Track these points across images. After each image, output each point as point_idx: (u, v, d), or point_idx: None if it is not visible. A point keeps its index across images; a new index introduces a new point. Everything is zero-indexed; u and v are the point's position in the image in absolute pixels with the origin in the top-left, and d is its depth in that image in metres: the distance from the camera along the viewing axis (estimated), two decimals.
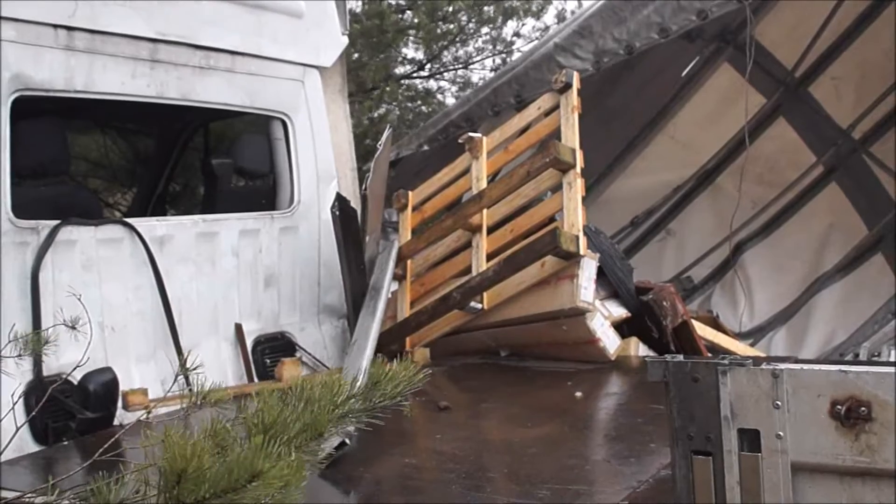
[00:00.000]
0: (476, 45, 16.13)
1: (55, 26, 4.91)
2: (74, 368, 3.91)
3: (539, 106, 6.18)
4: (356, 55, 13.54)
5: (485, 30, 15.91)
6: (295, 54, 6.30)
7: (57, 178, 5.48)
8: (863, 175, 9.15)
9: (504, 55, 16.11)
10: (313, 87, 6.45)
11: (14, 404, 3.11)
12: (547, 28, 15.73)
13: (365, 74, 13.93)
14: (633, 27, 7.20)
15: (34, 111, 5.06)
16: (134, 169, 8.76)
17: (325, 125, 6.53)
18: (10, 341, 3.22)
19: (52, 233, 4.87)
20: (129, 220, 5.57)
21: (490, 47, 16.10)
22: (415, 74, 16.15)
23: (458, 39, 15.80)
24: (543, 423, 4.50)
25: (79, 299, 3.70)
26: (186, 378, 2.99)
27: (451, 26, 15.41)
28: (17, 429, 3.05)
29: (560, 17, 15.76)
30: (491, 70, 16.00)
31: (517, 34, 16.11)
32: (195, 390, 2.86)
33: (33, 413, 4.24)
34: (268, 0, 6.07)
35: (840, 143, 9.15)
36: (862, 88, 8.94)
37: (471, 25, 15.72)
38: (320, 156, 6.47)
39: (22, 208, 4.76)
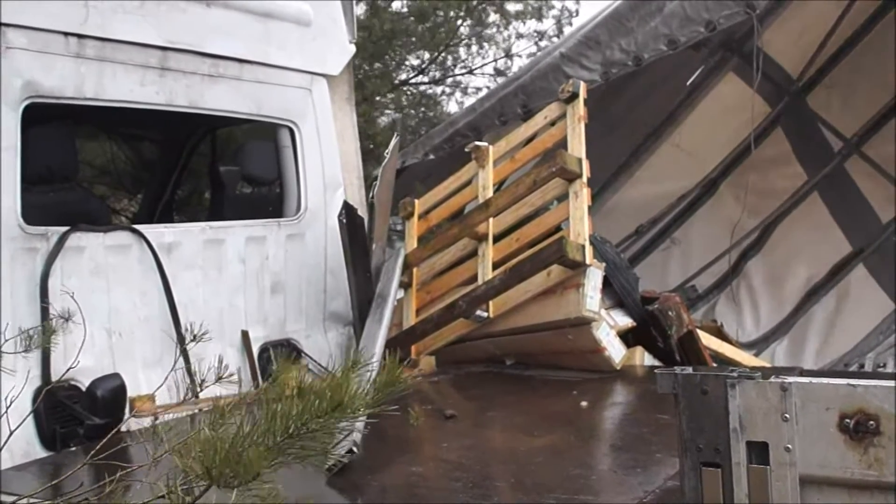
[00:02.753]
0: (478, 50, 16.21)
1: (66, 34, 4.94)
2: (67, 370, 3.95)
3: (545, 115, 6.21)
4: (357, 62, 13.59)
5: (487, 32, 15.98)
6: (302, 62, 6.33)
7: (66, 185, 5.49)
8: (853, 186, 9.21)
9: (506, 59, 16.19)
10: (320, 95, 6.48)
11: (7, 408, 3.10)
12: (543, 33, 15.83)
13: (370, 85, 13.98)
14: (641, 38, 7.22)
15: (44, 118, 5.08)
16: (141, 175, 8.78)
17: (332, 133, 6.56)
18: (16, 335, 3.24)
19: (62, 239, 4.89)
20: (137, 226, 5.59)
21: (489, 49, 16.18)
22: (416, 80, 16.21)
23: (460, 45, 15.86)
24: (549, 433, 4.51)
25: (72, 296, 3.72)
26: (193, 383, 3.01)
27: (451, 31, 15.47)
28: (11, 432, 3.05)
29: (558, 21, 15.85)
30: (493, 74, 16.08)
31: (519, 35, 16.20)
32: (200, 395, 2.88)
33: (25, 418, 4.23)
34: (276, 8, 6.10)
35: (835, 152, 9.21)
36: (864, 98, 8.97)
37: (472, 32, 15.79)
38: (327, 163, 6.49)
39: (31, 214, 4.79)
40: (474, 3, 15.23)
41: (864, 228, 8.99)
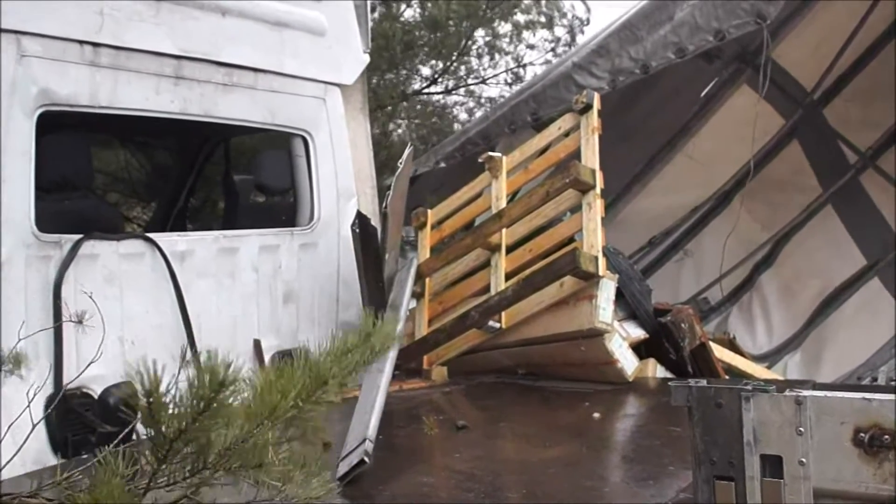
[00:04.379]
0: (490, 61, 16.21)
1: (81, 42, 4.96)
2: (58, 357, 3.92)
3: (559, 126, 6.19)
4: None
5: (499, 44, 15.99)
6: (317, 72, 6.34)
7: (80, 193, 5.51)
8: (867, 199, 9.19)
9: (517, 69, 16.19)
10: (334, 105, 6.49)
11: None
12: (558, 40, 15.82)
13: (382, 92, 14.00)
14: (650, 47, 7.23)
15: (58, 125, 5.10)
16: (154, 183, 8.81)
17: (346, 142, 6.56)
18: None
19: (75, 247, 4.90)
20: (150, 234, 5.61)
21: (500, 58, 16.18)
22: (428, 90, 16.22)
23: (472, 55, 15.87)
24: (561, 444, 4.50)
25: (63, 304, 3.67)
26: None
27: (464, 42, 15.48)
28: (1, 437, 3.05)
29: (571, 29, 15.84)
30: (505, 83, 16.09)
31: (530, 46, 16.20)
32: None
33: (10, 425, 4.23)
34: (290, 18, 6.12)
35: (850, 164, 9.19)
36: (881, 112, 8.95)
37: (483, 43, 15.80)
38: (340, 173, 6.50)
39: (45, 222, 4.79)
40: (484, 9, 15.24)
41: (879, 241, 8.97)
